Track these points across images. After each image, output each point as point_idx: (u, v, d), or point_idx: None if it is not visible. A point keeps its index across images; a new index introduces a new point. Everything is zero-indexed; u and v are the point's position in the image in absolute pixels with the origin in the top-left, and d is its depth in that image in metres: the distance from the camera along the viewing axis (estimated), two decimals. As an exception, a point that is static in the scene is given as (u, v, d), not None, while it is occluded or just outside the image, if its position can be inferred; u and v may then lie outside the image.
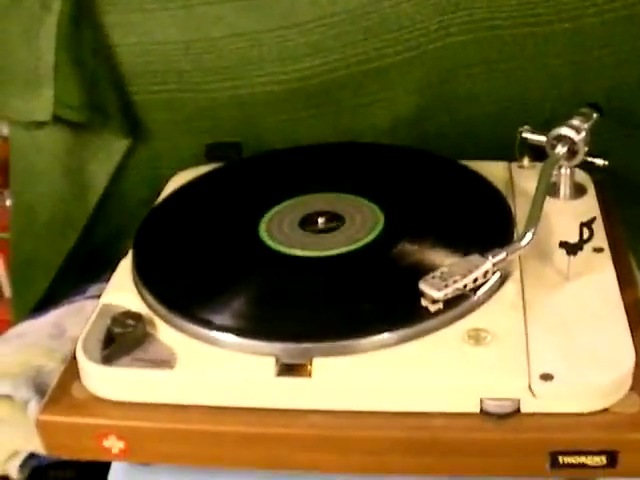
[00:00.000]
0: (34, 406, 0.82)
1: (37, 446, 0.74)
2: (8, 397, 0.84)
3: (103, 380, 0.71)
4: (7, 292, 1.22)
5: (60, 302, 1.01)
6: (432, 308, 0.68)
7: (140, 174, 1.07)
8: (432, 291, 0.67)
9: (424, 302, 0.68)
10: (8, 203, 1.13)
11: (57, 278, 1.09)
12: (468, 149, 0.96)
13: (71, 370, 0.73)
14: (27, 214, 1.08)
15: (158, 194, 0.92)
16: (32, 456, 0.81)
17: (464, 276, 0.68)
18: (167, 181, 0.95)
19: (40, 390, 0.83)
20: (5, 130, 1.10)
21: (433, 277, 0.68)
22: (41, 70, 0.97)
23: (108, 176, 1.05)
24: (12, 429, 0.83)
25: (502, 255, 0.70)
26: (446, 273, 0.68)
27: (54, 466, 0.81)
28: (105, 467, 0.75)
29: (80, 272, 1.08)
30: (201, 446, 0.69)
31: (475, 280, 0.69)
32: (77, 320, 0.94)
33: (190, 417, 0.69)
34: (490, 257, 0.70)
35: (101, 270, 0.88)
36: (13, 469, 0.80)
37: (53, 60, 0.96)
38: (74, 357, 0.73)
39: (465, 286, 0.68)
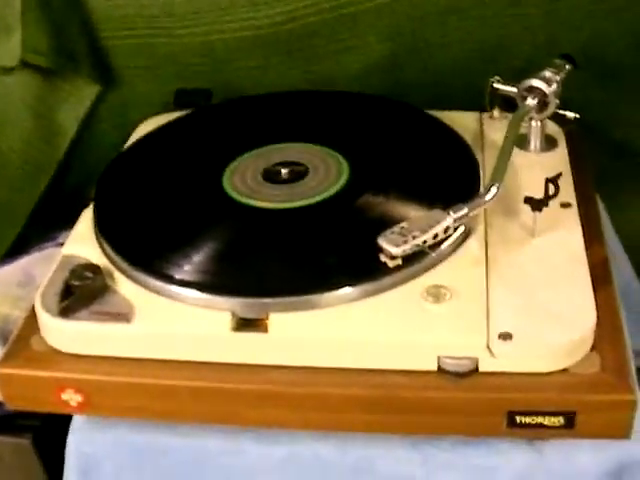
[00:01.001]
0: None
1: (2, 395, 0.74)
2: (-27, 346, 0.83)
3: (60, 333, 0.70)
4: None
5: (31, 249, 1.01)
6: (390, 264, 0.66)
7: (111, 120, 1.05)
8: (390, 247, 0.66)
9: (383, 258, 0.67)
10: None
11: (29, 224, 1.08)
12: (441, 97, 0.95)
13: (31, 322, 0.73)
14: (-3, 160, 1.07)
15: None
16: (-2, 405, 0.80)
17: (424, 232, 0.67)
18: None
19: (6, 339, 0.82)
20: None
21: (392, 232, 0.67)
22: (8, 16, 0.96)
23: (78, 122, 1.04)
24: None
25: (464, 211, 0.69)
26: (406, 229, 0.67)
27: (20, 415, 0.80)
28: (69, 417, 0.75)
29: (52, 219, 1.07)
30: (157, 400, 0.69)
31: (435, 236, 0.67)
32: (46, 268, 0.92)
33: (147, 371, 0.69)
34: (451, 213, 0.68)
35: (73, 217, 0.87)
36: (-21, 418, 0.80)
37: (20, 5, 0.95)
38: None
39: (425, 242, 0.67)
